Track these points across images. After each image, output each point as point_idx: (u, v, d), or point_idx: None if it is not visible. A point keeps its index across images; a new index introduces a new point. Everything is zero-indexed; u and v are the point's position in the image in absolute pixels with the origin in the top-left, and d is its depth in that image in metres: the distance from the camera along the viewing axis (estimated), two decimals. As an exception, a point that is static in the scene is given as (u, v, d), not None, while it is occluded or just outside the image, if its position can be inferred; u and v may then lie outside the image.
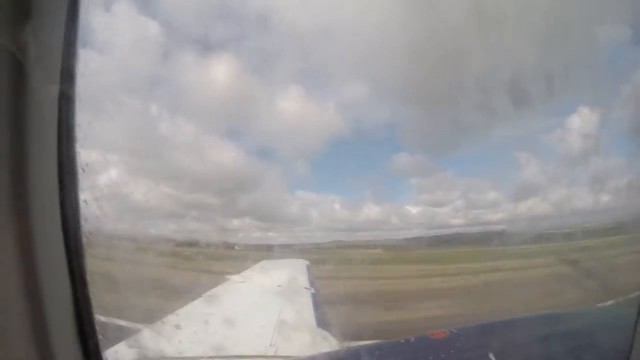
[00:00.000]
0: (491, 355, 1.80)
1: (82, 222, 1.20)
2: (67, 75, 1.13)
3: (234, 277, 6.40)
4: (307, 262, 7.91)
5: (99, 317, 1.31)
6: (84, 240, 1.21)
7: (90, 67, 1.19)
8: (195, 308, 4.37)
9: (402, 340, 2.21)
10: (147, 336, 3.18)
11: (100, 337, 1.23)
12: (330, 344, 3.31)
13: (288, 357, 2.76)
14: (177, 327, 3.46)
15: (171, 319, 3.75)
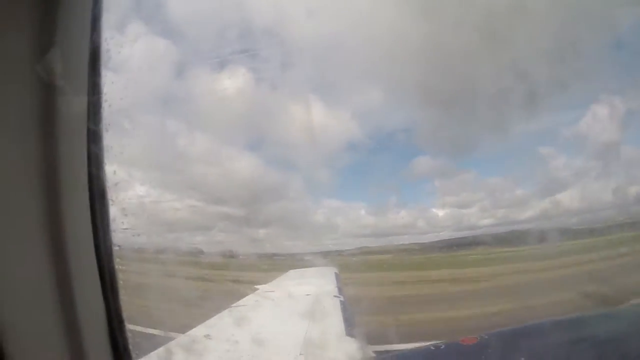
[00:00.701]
0: None
1: (112, 235, 1.24)
2: (94, 96, 1.18)
3: (263, 287, 6.44)
4: (336, 270, 7.86)
5: (130, 326, 1.35)
6: (115, 251, 1.25)
7: (109, 86, 1.25)
8: (224, 319, 4.42)
9: (432, 347, 2.17)
10: (177, 346, 3.24)
11: (131, 346, 1.26)
12: (360, 352, 3.27)
13: None
14: (207, 337, 3.50)
15: (200, 329, 3.81)
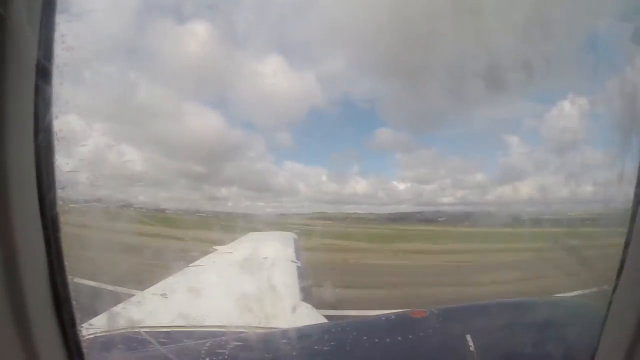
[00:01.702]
0: (468, 337, 1.84)
1: (59, 189, 1.17)
2: (45, 42, 1.08)
3: (222, 247, 6.44)
4: (295, 235, 7.96)
5: (79, 281, 1.30)
6: (61, 203, 1.18)
7: (66, 34, 1.14)
8: (181, 277, 4.40)
9: (383, 317, 2.25)
10: (132, 304, 3.21)
11: (74, 300, 1.22)
12: (313, 317, 3.37)
13: (272, 328, 2.80)
14: (163, 296, 3.48)
15: (156, 287, 3.77)
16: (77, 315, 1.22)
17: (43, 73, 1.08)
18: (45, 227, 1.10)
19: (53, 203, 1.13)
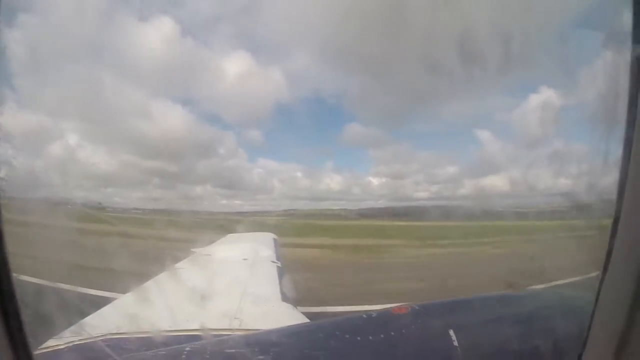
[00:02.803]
0: (451, 332, 1.86)
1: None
2: None
3: (200, 249, 6.34)
4: (274, 236, 7.92)
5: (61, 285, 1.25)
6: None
7: (29, 30, 1.09)
8: (160, 280, 4.30)
9: (364, 315, 2.25)
10: (113, 307, 3.13)
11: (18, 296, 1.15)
12: (294, 317, 3.36)
13: (253, 330, 2.77)
14: (140, 301, 3.40)
15: (132, 293, 3.68)
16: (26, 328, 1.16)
17: None
18: None
19: None
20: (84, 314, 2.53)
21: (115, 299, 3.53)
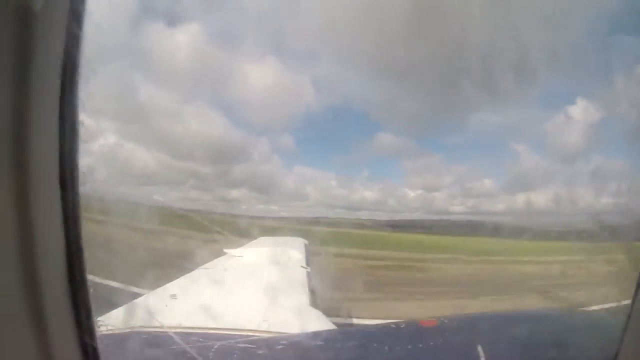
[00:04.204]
0: (479, 348, 1.81)
1: (80, 185, 1.19)
2: (73, 38, 1.09)
3: (232, 251, 6.46)
4: (305, 241, 7.94)
5: (94, 279, 1.32)
6: (82, 202, 1.19)
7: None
8: (192, 280, 4.42)
9: (393, 325, 2.23)
10: (142, 303, 3.24)
11: (92, 299, 1.23)
12: (322, 323, 3.35)
13: (280, 333, 2.79)
14: (173, 296, 3.51)
15: (167, 288, 3.80)
16: (93, 312, 1.23)
17: (69, 71, 1.09)
18: (66, 225, 1.11)
19: (76, 201, 1.15)
20: (114, 306, 2.64)
21: (145, 293, 3.64)
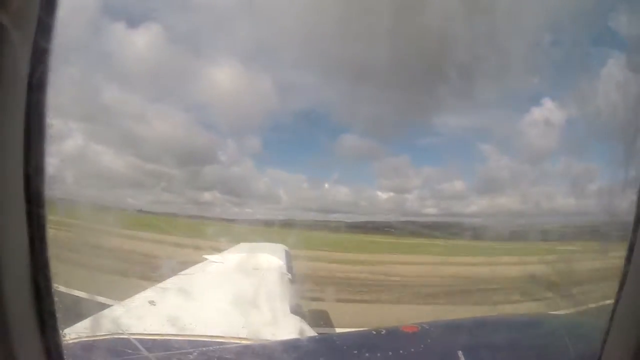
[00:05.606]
0: (460, 354, 1.81)
1: (46, 188, 1.14)
2: (44, 33, 1.06)
3: (211, 257, 6.36)
4: (286, 247, 7.90)
5: (60, 289, 1.26)
6: (47, 204, 1.14)
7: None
8: (170, 285, 4.33)
9: (374, 332, 2.22)
10: (112, 311, 3.14)
11: (58, 310, 1.18)
12: (302, 330, 3.31)
13: (259, 340, 2.74)
14: (151, 303, 3.42)
15: (143, 295, 3.70)
16: (59, 320, 1.18)
17: (36, 78, 1.06)
18: (30, 227, 1.06)
19: (40, 203, 1.10)
20: (83, 316, 2.55)
21: (120, 300, 3.54)
